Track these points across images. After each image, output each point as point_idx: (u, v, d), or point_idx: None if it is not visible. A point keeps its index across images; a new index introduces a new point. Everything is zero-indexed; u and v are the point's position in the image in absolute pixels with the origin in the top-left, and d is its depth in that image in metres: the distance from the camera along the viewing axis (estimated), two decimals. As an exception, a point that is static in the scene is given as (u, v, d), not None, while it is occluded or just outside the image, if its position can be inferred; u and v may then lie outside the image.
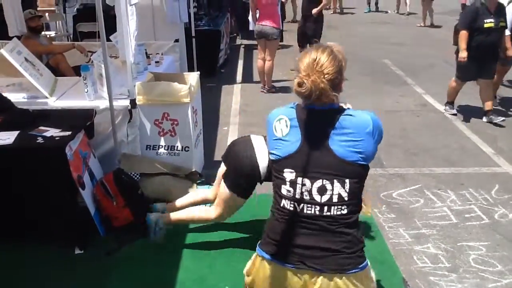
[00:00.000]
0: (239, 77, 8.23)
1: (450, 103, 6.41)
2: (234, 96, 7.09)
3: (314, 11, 7.60)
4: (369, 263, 2.02)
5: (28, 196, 3.31)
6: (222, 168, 3.24)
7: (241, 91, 7.35)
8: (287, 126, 1.99)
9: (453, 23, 13.62)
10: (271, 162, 2.09)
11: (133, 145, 4.14)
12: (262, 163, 2.96)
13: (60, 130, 3.44)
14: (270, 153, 2.08)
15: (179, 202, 3.63)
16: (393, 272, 3.21)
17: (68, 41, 8.35)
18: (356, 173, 1.94)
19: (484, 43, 5.69)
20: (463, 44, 5.75)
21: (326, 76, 1.89)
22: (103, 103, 3.97)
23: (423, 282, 3.12)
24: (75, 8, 9.32)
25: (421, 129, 5.83)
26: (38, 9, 9.47)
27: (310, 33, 7.88)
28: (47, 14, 9.18)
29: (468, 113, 6.32)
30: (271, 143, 2.05)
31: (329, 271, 1.93)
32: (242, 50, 10.23)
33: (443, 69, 8.71)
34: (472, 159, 4.97)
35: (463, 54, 5.73)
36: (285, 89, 7.39)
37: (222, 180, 3.17)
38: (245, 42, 10.71)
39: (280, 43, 8.63)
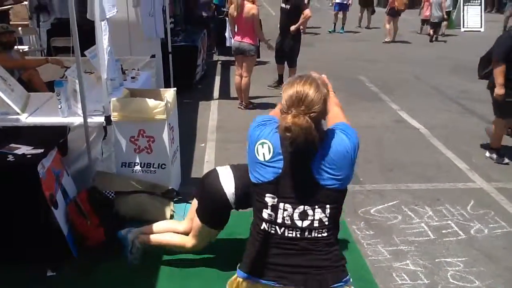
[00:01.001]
0: (216, 93, 8.21)
1: (496, 150, 5.43)
2: (211, 113, 7.05)
3: (292, 28, 7.67)
4: (351, 279, 2.05)
5: (-3, 216, 3.19)
6: (194, 203, 3.26)
7: (218, 107, 7.32)
8: (270, 152, 1.97)
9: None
10: (252, 184, 2.06)
11: (108, 163, 4.05)
12: (229, 190, 3.01)
13: (32, 147, 3.36)
14: (250, 174, 2.05)
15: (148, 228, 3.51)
16: (373, 290, 3.20)
17: (41, 56, 8.20)
18: (336, 198, 1.99)
19: None
20: (499, 78, 5.01)
21: (312, 114, 1.86)
22: (77, 120, 3.88)
23: (402, 299, 3.11)
24: (49, 23, 9.17)
25: (396, 145, 5.89)
26: (11, 23, 9.30)
27: (287, 49, 7.96)
28: (20, 28, 8.99)
29: (442, 129, 6.42)
30: (252, 164, 2.04)
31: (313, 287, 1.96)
32: (219, 66, 10.23)
33: (416, 85, 8.89)
34: (448, 175, 5.03)
35: (501, 91, 5.03)
36: (263, 106, 7.38)
37: (196, 213, 3.16)
38: (222, 58, 10.72)
39: (257, 60, 8.66)
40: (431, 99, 7.97)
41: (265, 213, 1.99)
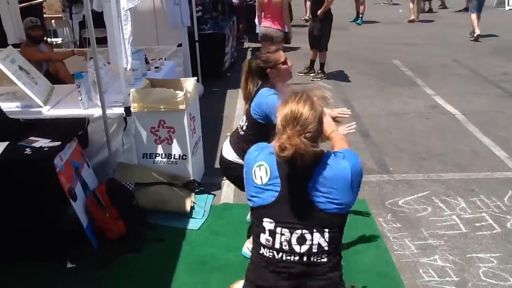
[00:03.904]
0: (245, 81, 8.08)
1: None
2: (239, 100, 6.94)
3: (319, 12, 7.46)
4: None
5: (17, 209, 3.21)
6: None
7: (246, 95, 7.20)
8: (267, 174, 1.94)
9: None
10: (250, 208, 2.05)
11: (129, 154, 4.03)
12: (230, 156, 3.18)
13: (50, 140, 3.35)
14: (248, 199, 2.03)
15: None
16: (397, 287, 3.04)
17: (75, 47, 8.29)
18: (335, 223, 1.92)
19: None
20: None
21: (307, 134, 1.83)
22: (97, 111, 3.87)
23: (429, 297, 2.95)
24: (82, 14, 9.27)
25: (430, 132, 5.62)
26: (45, 16, 9.48)
27: (316, 33, 7.76)
28: (53, 21, 9.15)
29: (480, 114, 6.09)
30: (250, 188, 2.01)
31: None
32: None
33: (453, 68, 8.48)
34: (484, 164, 4.75)
35: None
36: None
37: None
38: (253, 45, 10.57)
39: (288, 45, 8.47)
40: (469, 82, 7.58)
41: (263, 238, 1.96)
